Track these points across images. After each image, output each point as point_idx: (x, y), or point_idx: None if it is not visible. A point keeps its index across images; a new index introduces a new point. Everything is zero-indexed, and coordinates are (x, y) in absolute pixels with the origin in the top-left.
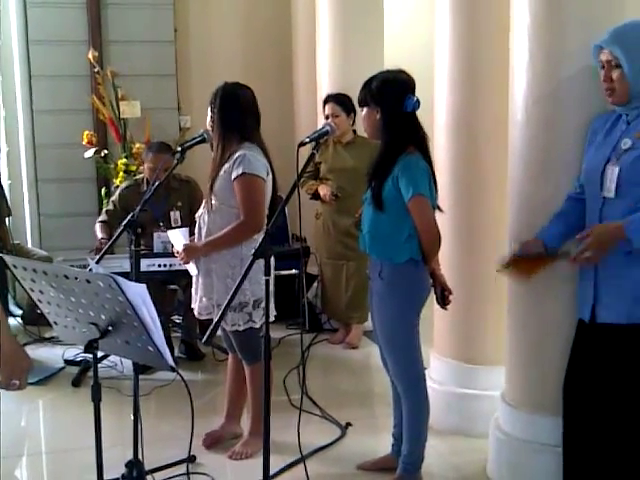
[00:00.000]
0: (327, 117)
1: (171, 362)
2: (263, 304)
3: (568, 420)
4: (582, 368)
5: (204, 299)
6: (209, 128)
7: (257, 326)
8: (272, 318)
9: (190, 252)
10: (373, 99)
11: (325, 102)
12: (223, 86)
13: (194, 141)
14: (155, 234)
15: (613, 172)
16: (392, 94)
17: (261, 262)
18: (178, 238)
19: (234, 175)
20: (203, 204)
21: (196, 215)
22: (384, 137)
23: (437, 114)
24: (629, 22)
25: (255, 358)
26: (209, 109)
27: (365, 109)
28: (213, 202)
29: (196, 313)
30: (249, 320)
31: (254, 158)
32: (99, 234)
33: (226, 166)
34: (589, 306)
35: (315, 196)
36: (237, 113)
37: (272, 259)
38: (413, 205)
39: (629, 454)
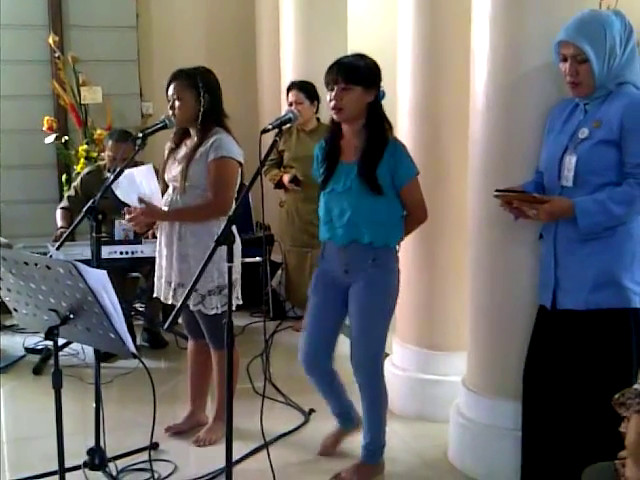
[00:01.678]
0: (291, 104)
1: (132, 349)
2: (237, 287)
3: (527, 405)
4: (542, 354)
5: (175, 285)
6: (170, 112)
7: (234, 308)
8: (240, 302)
9: (149, 213)
10: (367, 81)
11: (289, 89)
12: (202, 70)
13: (155, 127)
14: (116, 221)
15: (571, 161)
16: (380, 80)
17: (237, 244)
18: (144, 176)
19: (212, 157)
20: (172, 188)
21: (162, 200)
22: (373, 122)
23: (400, 101)
24: (587, 13)
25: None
26: (182, 91)
27: (357, 87)
28: (187, 184)
29: (169, 300)
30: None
31: (232, 143)
32: (59, 222)
33: (202, 149)
34: (550, 292)
35: (279, 185)
36: (216, 98)
37: (239, 245)
38: (413, 186)
39: (586, 439)
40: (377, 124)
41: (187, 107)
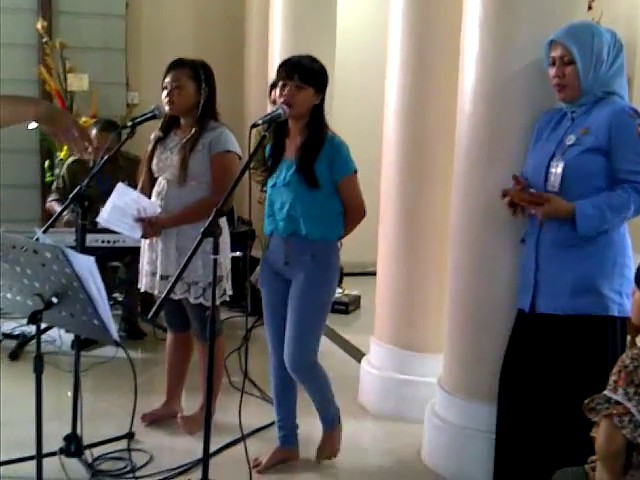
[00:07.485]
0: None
1: (116, 336)
2: (227, 280)
3: (502, 408)
4: (519, 357)
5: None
6: (164, 102)
7: (227, 299)
8: (230, 293)
9: (155, 227)
10: (317, 81)
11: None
12: (202, 62)
13: (145, 117)
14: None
15: (558, 167)
16: (327, 86)
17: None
18: (122, 197)
19: (218, 149)
20: (164, 179)
21: (154, 190)
22: (317, 120)
23: (388, 102)
24: (580, 23)
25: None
26: (183, 80)
27: (310, 88)
28: (187, 176)
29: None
30: (223, 294)
31: (233, 137)
32: (57, 209)
33: (204, 141)
34: (529, 296)
35: None
36: (214, 92)
37: (228, 238)
38: (350, 182)
39: (559, 443)
40: (318, 125)
41: (186, 96)
